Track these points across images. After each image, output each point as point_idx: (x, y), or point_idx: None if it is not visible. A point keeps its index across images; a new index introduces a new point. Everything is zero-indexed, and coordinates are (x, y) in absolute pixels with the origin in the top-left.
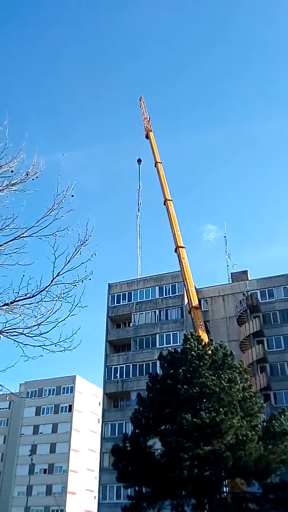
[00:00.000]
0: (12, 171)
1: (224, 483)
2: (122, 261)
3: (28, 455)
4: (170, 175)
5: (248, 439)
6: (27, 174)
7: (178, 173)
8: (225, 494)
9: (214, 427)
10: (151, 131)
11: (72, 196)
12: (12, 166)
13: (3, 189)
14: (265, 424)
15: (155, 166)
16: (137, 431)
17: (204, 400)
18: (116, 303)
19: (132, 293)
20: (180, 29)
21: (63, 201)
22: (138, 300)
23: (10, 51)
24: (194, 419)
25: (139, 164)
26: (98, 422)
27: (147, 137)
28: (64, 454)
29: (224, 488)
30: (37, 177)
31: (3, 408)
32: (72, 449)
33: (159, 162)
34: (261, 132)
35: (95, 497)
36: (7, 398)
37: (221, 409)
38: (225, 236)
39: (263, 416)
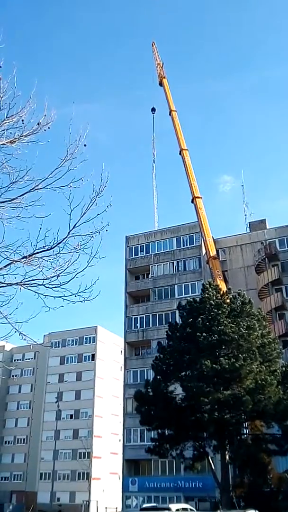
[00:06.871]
0: (22, 121)
1: (244, 426)
2: (139, 214)
3: (54, 402)
4: (185, 126)
5: (267, 383)
6: (39, 124)
7: (192, 124)
8: (245, 435)
9: (233, 372)
10: (164, 77)
11: (85, 145)
12: (22, 116)
13: (15, 141)
14: (284, 369)
15: (170, 114)
16: (158, 377)
17: (223, 347)
18: (134, 255)
19: (150, 245)
20: None
21: (76, 151)
22: (156, 252)
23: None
24: (214, 365)
25: (153, 113)
26: (121, 369)
27: (161, 84)
28: (89, 400)
29: (244, 430)
30: (49, 127)
31: (29, 359)
32: (97, 396)
33: (174, 110)
34: (282, 78)
35: (120, 440)
36: (31, 347)
37: (240, 355)
38: (242, 185)
39: (282, 361)
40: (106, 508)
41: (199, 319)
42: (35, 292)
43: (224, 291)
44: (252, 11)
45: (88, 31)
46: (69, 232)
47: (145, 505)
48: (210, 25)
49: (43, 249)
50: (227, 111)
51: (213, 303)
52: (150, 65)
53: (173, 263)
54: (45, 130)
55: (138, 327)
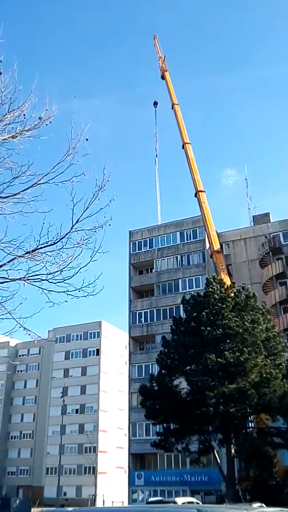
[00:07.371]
0: (24, 115)
1: (250, 419)
2: (142, 209)
3: (60, 397)
4: (186, 121)
5: (272, 377)
6: (40, 119)
7: (194, 119)
8: (251, 429)
9: (238, 366)
10: (166, 71)
11: (87, 139)
12: (24, 110)
13: (16, 135)
14: None
15: (172, 108)
16: (163, 371)
17: (228, 341)
18: (138, 250)
19: (153, 240)
20: None
21: (78, 145)
22: (160, 246)
23: None
24: (219, 359)
25: (155, 107)
26: (125, 364)
27: (163, 77)
28: (94, 395)
29: (250, 424)
30: (50, 122)
31: (34, 354)
32: (102, 390)
33: (176, 104)
34: (283, 76)
35: (125, 434)
36: (36, 343)
37: (245, 349)
38: (246, 179)
39: (287, 355)
40: (112, 502)
41: (204, 313)
42: (39, 287)
43: (228, 285)
44: (252, 11)
45: (88, 29)
46: (72, 227)
47: (151, 499)
48: (210, 24)
49: (46, 244)
50: (228, 106)
51: (217, 297)
52: (150, 62)
53: (176, 257)
54: (46, 124)
55: (143, 321)
